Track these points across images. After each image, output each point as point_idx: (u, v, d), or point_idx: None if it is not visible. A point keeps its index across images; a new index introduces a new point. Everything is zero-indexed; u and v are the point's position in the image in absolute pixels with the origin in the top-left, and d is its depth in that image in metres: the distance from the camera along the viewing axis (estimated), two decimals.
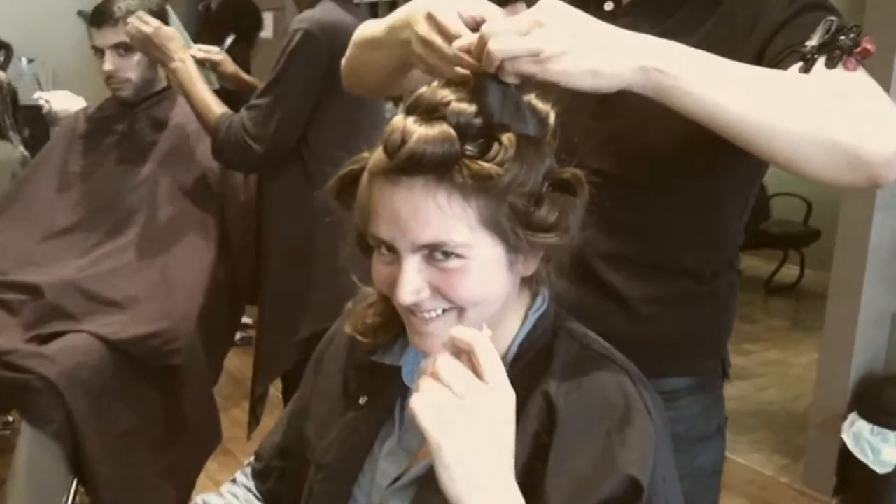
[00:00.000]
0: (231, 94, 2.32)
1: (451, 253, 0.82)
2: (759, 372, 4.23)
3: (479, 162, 0.80)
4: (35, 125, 3.13)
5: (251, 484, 1.19)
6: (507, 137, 0.81)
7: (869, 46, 0.85)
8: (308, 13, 1.91)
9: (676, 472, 0.88)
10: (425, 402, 0.70)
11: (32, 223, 2.20)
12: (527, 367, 0.90)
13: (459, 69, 0.84)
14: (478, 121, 0.81)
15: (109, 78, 2.16)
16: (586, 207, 0.88)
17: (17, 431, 1.93)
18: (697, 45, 0.84)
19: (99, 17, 2.10)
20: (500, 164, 0.81)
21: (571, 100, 0.87)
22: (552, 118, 0.88)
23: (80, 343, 1.91)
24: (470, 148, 0.81)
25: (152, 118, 2.26)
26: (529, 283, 0.93)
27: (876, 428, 2.78)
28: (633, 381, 0.89)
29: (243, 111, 1.93)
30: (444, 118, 0.81)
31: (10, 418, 2.80)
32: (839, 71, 0.86)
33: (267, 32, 4.19)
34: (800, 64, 0.87)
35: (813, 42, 0.87)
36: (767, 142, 0.82)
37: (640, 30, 0.84)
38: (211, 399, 2.16)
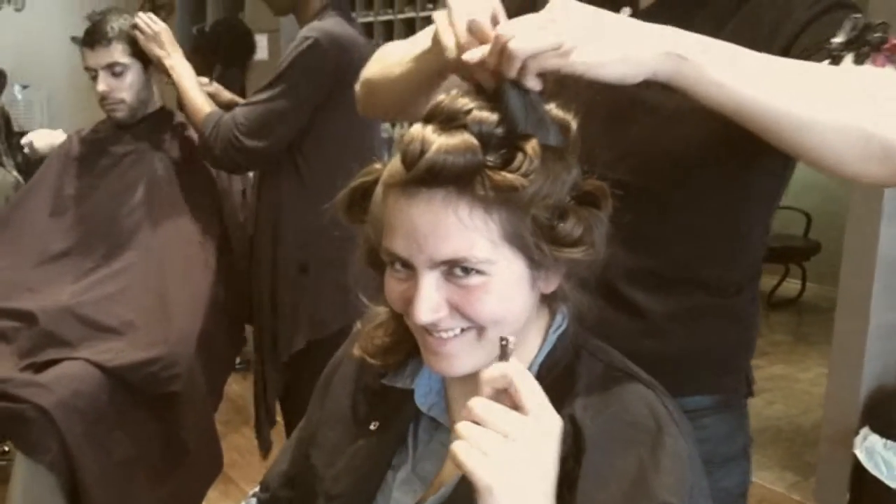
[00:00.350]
0: (204, 48, 2.36)
1: (472, 269, 0.78)
2: (764, 387, 4.19)
3: (503, 173, 0.76)
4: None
5: None
6: (531, 147, 0.77)
7: None
8: (317, 24, 1.92)
9: (710, 495, 0.84)
10: (467, 446, 0.69)
11: (26, 248, 2.17)
12: (548, 390, 0.84)
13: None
14: (500, 130, 0.77)
15: (103, 99, 2.13)
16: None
17: (14, 462, 1.88)
18: None
19: (91, 38, 2.08)
20: (525, 175, 0.77)
21: (585, 109, 0.84)
22: (574, 127, 0.84)
23: (76, 371, 1.87)
24: (492, 158, 0.77)
25: (147, 139, 2.23)
26: (548, 301, 0.89)
27: (889, 442, 2.73)
28: (662, 399, 0.85)
29: (235, 109, 1.94)
30: (464, 127, 0.77)
31: (6, 448, 2.74)
32: (868, 67, 0.83)
33: (262, 54, 4.19)
34: (827, 61, 0.85)
35: (840, 39, 0.85)
36: (797, 133, 0.79)
37: None
38: (211, 426, 2.12)
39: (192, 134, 2.17)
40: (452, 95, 0.80)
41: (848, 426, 2.89)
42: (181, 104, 2.06)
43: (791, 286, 5.86)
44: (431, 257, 0.78)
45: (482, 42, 0.80)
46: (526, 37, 0.74)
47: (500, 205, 0.77)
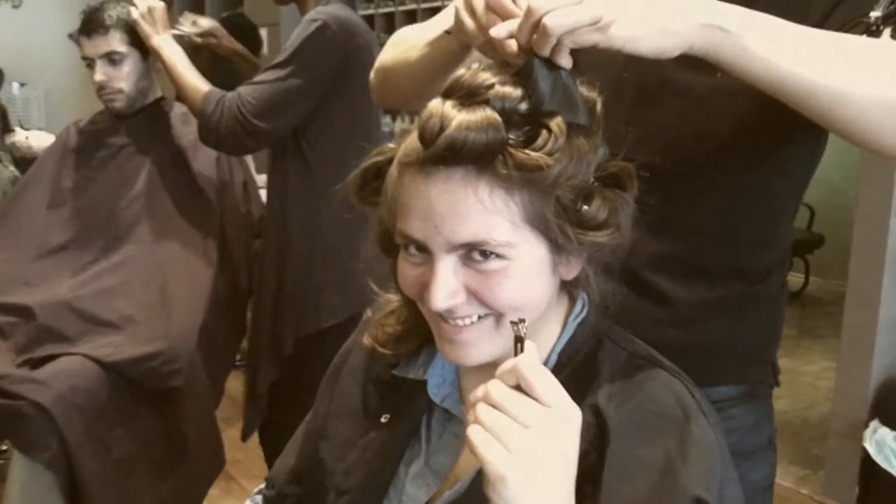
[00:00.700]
0: (227, 70, 2.24)
1: (492, 253, 0.75)
2: None
3: (526, 151, 0.73)
4: None
5: None
6: (556, 124, 0.74)
7: None
8: (323, 8, 1.89)
9: (739, 485, 0.81)
10: (483, 432, 0.65)
11: (23, 242, 2.14)
12: (569, 380, 0.81)
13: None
14: (524, 106, 0.74)
15: (101, 89, 2.09)
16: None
17: (11, 460, 1.86)
18: None
19: (88, 26, 2.04)
20: (550, 154, 0.73)
21: (611, 88, 0.81)
22: (599, 107, 0.80)
23: (75, 366, 1.85)
24: (515, 136, 0.73)
25: (146, 130, 2.20)
26: (568, 288, 0.86)
27: None
28: (689, 388, 0.82)
29: (240, 88, 1.89)
30: (486, 102, 0.73)
31: (4, 447, 2.71)
32: None
33: (262, 49, 4.15)
34: (864, 35, 0.82)
35: (877, 13, 0.83)
36: (835, 106, 0.77)
37: None
38: (213, 422, 2.10)
39: (193, 124, 2.13)
40: (473, 70, 0.77)
41: (857, 419, 2.87)
42: (174, 85, 1.99)
43: (794, 279, 5.84)
44: (449, 240, 0.75)
45: (505, 18, 0.77)
46: (562, 11, 0.70)
47: (522, 185, 0.73)
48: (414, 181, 0.76)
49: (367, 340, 0.94)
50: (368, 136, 1.95)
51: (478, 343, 0.79)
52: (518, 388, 0.67)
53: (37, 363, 1.88)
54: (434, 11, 4.07)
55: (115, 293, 2.02)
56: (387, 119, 4.28)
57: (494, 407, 0.66)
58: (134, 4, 1.99)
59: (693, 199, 0.96)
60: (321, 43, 1.84)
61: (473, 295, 0.77)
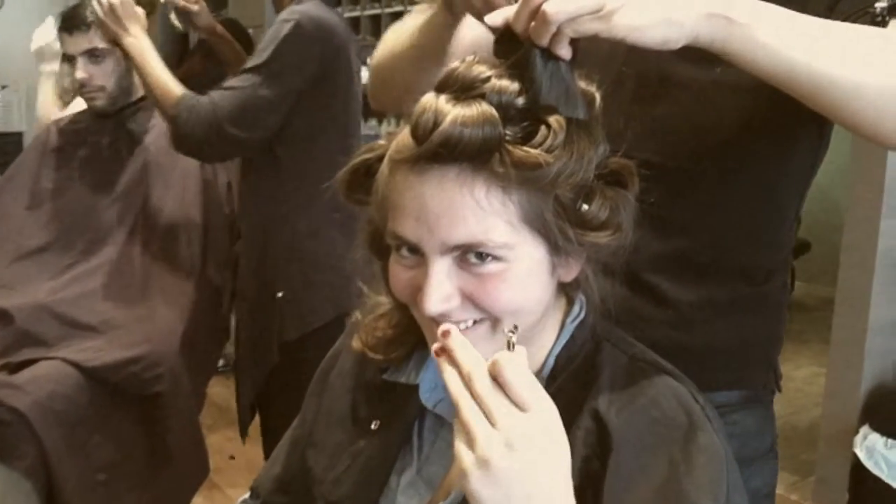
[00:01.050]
0: (207, 47, 2.19)
1: (488, 255, 0.72)
2: None
3: (524, 148, 0.70)
4: (7, 151, 3.03)
5: None
6: (555, 120, 0.71)
7: None
8: (297, 7, 1.82)
9: (745, 492, 0.78)
10: (469, 453, 0.61)
11: (1, 243, 2.10)
12: (568, 383, 0.79)
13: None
14: (521, 101, 0.71)
15: (82, 87, 2.05)
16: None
17: None
18: None
19: (69, 22, 2.00)
20: (548, 151, 0.70)
21: (611, 81, 0.78)
22: (598, 101, 0.77)
23: (53, 371, 1.81)
24: (512, 132, 0.70)
25: (129, 129, 2.16)
26: (565, 289, 0.83)
27: (890, 441, 2.71)
28: (693, 393, 0.79)
29: (214, 94, 1.79)
30: (482, 96, 0.70)
31: None
32: None
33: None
34: (870, 25, 0.80)
35: (883, 3, 0.81)
36: (850, 99, 0.75)
37: None
38: (196, 428, 2.06)
39: None
40: (468, 62, 0.74)
41: (847, 425, 2.86)
42: (144, 86, 1.88)
43: None
44: (443, 241, 0.71)
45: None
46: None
47: (520, 184, 0.70)
48: (406, 179, 0.73)
49: (356, 344, 0.91)
50: (346, 139, 1.89)
51: None
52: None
53: (15, 368, 1.84)
54: None
55: (95, 296, 1.98)
56: (372, 122, 4.24)
57: (475, 398, 0.62)
58: (99, 3, 1.85)
59: (694, 196, 0.93)
60: (296, 44, 1.76)
61: (469, 299, 0.73)
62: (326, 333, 1.80)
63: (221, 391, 3.43)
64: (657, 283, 0.95)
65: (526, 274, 0.73)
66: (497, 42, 0.74)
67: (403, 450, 0.87)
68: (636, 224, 0.78)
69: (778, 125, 0.81)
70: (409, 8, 4.32)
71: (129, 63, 1.96)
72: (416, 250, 0.74)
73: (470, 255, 0.72)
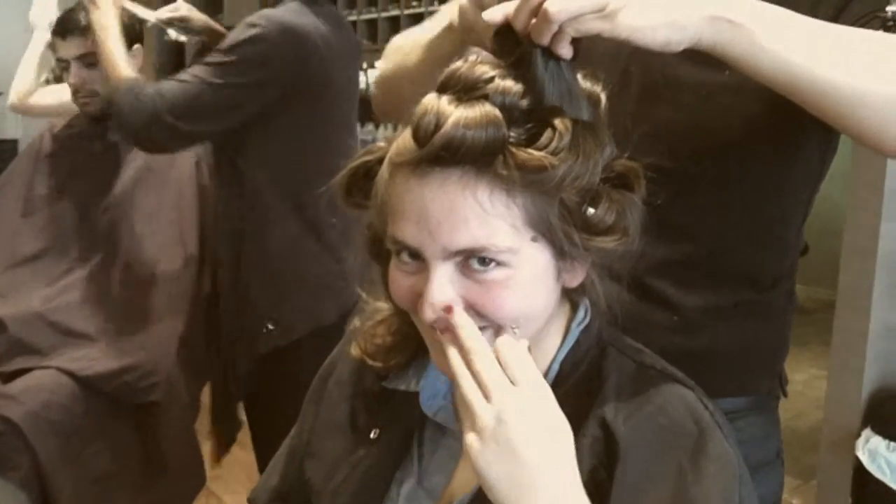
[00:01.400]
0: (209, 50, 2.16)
1: (492, 260, 0.70)
2: None
3: (529, 150, 0.68)
4: (3, 158, 3.01)
5: None
6: (560, 122, 0.69)
7: None
8: (269, 11, 1.73)
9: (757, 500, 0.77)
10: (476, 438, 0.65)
11: None
12: (574, 390, 0.77)
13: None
14: (525, 102, 0.69)
15: (76, 92, 2.02)
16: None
17: None
18: None
19: (63, 27, 1.98)
20: (554, 154, 0.68)
21: (616, 82, 0.77)
22: (603, 101, 0.76)
23: (47, 380, 1.78)
24: (516, 134, 0.69)
25: None
26: (569, 294, 0.81)
27: (892, 444, 2.70)
28: (703, 401, 0.77)
29: (164, 83, 1.72)
30: (485, 98, 0.68)
31: None
32: None
33: None
34: (881, 31, 0.79)
35: (894, 7, 0.80)
36: (855, 107, 0.73)
37: None
38: (193, 437, 2.04)
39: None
40: (471, 62, 0.72)
41: (849, 428, 2.85)
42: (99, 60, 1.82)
43: None
44: (445, 246, 0.70)
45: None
46: None
47: (524, 187, 0.69)
48: (407, 183, 0.71)
49: (355, 352, 0.89)
50: (324, 150, 1.79)
51: None
52: None
53: (8, 377, 1.82)
54: (417, 18, 4.03)
55: (90, 304, 1.96)
56: (369, 126, 4.22)
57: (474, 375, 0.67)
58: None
59: (700, 200, 0.92)
60: (254, 46, 1.68)
61: (472, 307, 0.71)
62: (306, 343, 1.78)
63: None
64: (662, 287, 0.93)
65: (531, 280, 0.72)
66: (495, 39, 0.73)
67: (403, 459, 0.86)
68: (642, 228, 0.76)
69: (783, 129, 0.80)
70: (405, 11, 4.32)
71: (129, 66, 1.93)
72: (417, 256, 0.72)
73: (473, 260, 0.70)
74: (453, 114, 0.67)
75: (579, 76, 0.75)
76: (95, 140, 2.13)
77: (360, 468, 0.86)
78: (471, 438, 0.65)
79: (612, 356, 0.80)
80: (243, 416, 2.06)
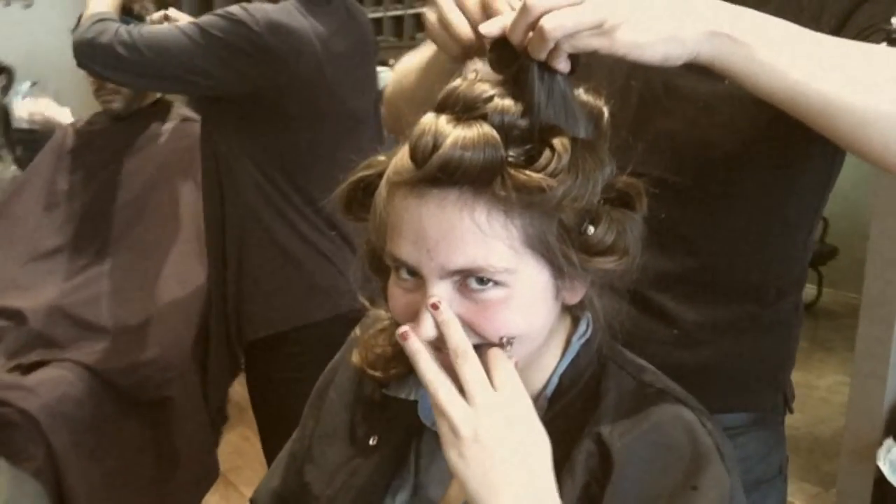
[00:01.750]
0: None
1: (490, 280, 0.69)
2: None
3: (527, 172, 0.67)
4: (28, 145, 3.05)
5: None
6: (559, 142, 0.68)
7: None
8: (258, 4, 1.66)
9: None
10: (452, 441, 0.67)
11: (16, 244, 2.11)
12: (571, 405, 0.77)
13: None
14: (524, 121, 0.68)
15: (98, 90, 2.06)
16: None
17: None
18: None
19: None
20: (552, 175, 0.67)
21: (618, 96, 0.75)
22: (606, 116, 0.74)
23: (63, 374, 1.82)
24: (514, 154, 0.68)
25: (144, 132, 2.16)
26: (570, 308, 0.80)
27: None
28: (703, 421, 0.76)
29: (133, 25, 1.67)
30: (484, 117, 0.68)
31: None
32: None
33: None
34: (884, 43, 0.78)
35: None
36: (858, 124, 0.71)
37: None
38: (206, 432, 2.05)
39: (191, 126, 2.08)
40: (469, 80, 0.71)
41: (871, 437, 2.81)
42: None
43: (807, 291, 5.75)
44: (443, 266, 0.69)
45: (493, 16, 0.71)
46: (562, 12, 0.64)
47: (522, 207, 0.68)
48: (405, 202, 0.70)
49: (355, 360, 0.89)
50: (322, 149, 1.73)
51: None
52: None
53: (27, 369, 1.85)
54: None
55: (108, 298, 1.99)
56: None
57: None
58: None
59: (701, 214, 0.91)
60: (237, 35, 1.61)
61: (469, 325, 0.71)
62: (293, 335, 1.74)
63: (240, 389, 3.44)
64: (663, 301, 0.92)
65: (529, 300, 0.71)
66: (492, 52, 0.71)
67: (400, 468, 0.85)
68: (643, 244, 0.75)
69: (786, 139, 0.78)
70: (408, 11, 4.33)
71: None
72: (415, 273, 0.72)
73: (470, 279, 0.69)
74: (451, 134, 0.67)
75: (581, 90, 0.74)
76: (116, 137, 2.16)
77: (357, 476, 0.86)
78: (447, 436, 0.67)
79: (612, 372, 0.79)
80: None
